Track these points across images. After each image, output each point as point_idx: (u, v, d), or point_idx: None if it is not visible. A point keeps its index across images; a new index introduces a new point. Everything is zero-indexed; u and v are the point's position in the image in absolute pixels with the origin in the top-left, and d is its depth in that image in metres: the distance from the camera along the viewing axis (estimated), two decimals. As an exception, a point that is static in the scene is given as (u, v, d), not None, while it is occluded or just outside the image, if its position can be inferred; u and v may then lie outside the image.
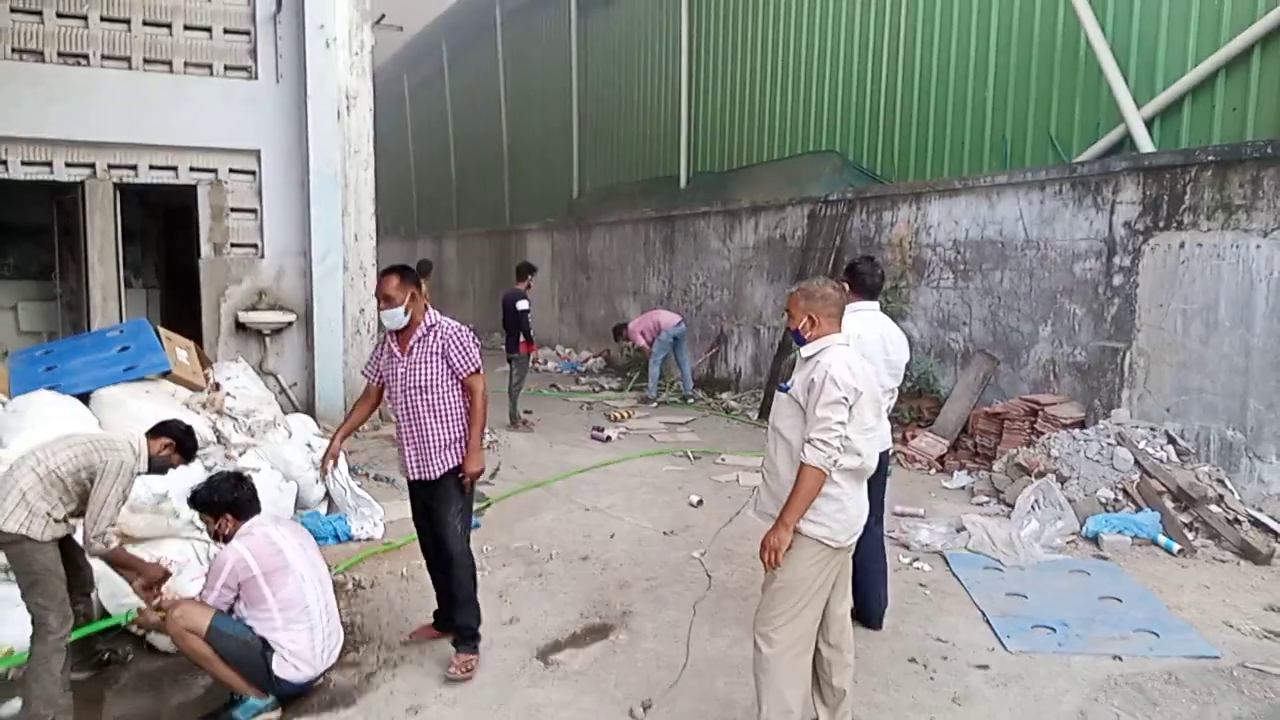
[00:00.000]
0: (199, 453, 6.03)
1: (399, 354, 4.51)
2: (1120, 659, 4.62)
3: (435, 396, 4.44)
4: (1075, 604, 5.35)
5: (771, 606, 3.59)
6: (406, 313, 4.44)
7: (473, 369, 4.48)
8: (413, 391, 4.46)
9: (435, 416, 4.46)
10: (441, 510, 4.58)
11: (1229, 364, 6.97)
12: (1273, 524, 6.45)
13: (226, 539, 4.14)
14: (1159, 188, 7.49)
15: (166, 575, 4.33)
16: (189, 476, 4.92)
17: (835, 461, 3.39)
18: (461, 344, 4.46)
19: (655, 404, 12.04)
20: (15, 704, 4.01)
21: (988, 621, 5.11)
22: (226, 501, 4.16)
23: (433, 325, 4.49)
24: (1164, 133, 8.00)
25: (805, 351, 3.64)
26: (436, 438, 4.47)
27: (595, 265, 16.99)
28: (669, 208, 14.62)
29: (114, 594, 4.66)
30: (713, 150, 14.29)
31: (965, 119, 10.00)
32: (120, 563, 4.17)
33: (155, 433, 4.19)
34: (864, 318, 4.75)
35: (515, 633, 4.96)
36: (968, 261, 9.35)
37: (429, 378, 4.43)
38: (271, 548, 4.08)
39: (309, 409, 9.35)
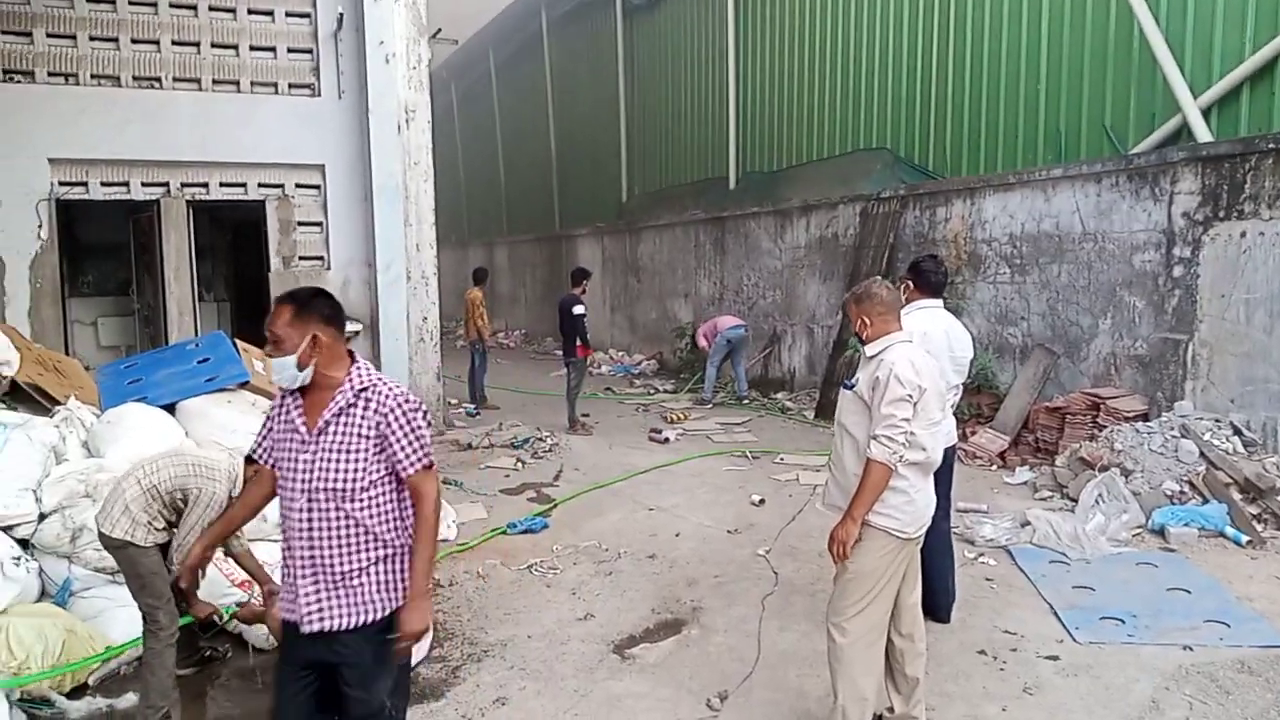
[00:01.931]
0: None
1: (304, 431, 2.92)
2: (1191, 649, 4.65)
3: (358, 505, 2.87)
4: (1143, 596, 5.37)
5: (843, 597, 3.71)
6: (303, 367, 2.88)
7: (421, 463, 2.92)
8: (321, 496, 2.87)
9: (353, 536, 2.89)
10: (355, 690, 2.92)
11: (1295, 353, 6.91)
12: (1344, 514, 6.39)
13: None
14: (1218, 177, 7.44)
15: (217, 613, 4.49)
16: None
17: (900, 457, 3.51)
18: (408, 422, 2.90)
19: (711, 405, 12.16)
20: (131, 697, 4.28)
21: (1055, 614, 5.16)
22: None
23: (362, 389, 2.91)
24: (1222, 121, 7.93)
25: (868, 350, 3.75)
26: (352, 568, 2.89)
27: (646, 268, 17.16)
28: (719, 209, 14.73)
29: (212, 593, 4.91)
30: (762, 150, 14.37)
31: (1018, 112, 9.97)
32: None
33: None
34: (929, 315, 4.84)
35: (591, 628, 5.12)
36: (1024, 255, 9.34)
37: (349, 475, 2.86)
38: None
39: (376, 415, 9.61)
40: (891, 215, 11.06)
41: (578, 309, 10.69)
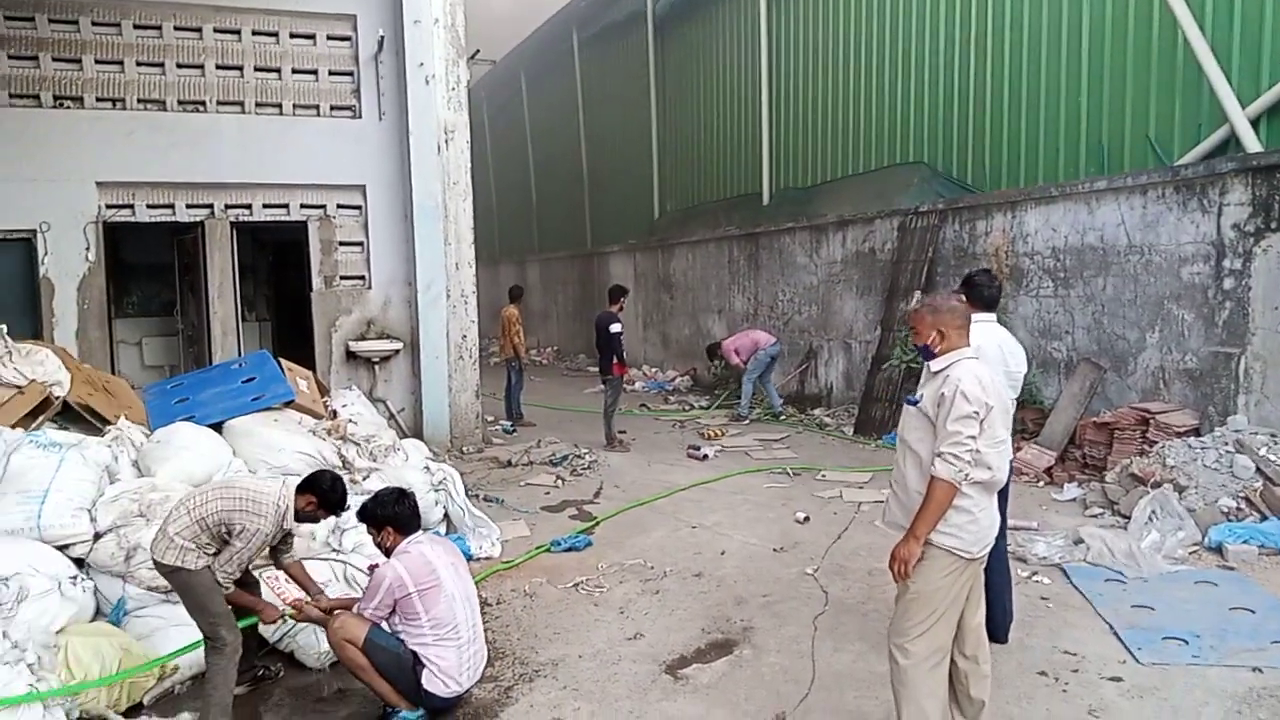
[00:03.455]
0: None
1: None
2: (1261, 671, 4.53)
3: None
4: (1205, 616, 5.24)
5: (906, 618, 3.65)
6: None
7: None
8: None
9: None
10: None
11: (1354, 366, 6.76)
12: None
13: (388, 551, 4.36)
14: (1270, 188, 7.31)
15: (282, 616, 4.52)
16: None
17: (966, 475, 3.45)
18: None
19: (748, 421, 12.10)
20: (186, 717, 4.29)
21: (1115, 634, 5.05)
22: (389, 515, 4.38)
23: None
24: (1271, 132, 7.81)
25: (934, 366, 3.68)
26: None
27: (679, 284, 17.15)
28: (753, 225, 14.71)
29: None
30: (796, 166, 14.35)
31: (1059, 125, 9.88)
32: (240, 604, 4.38)
33: (303, 488, 4.37)
34: (983, 329, 4.76)
35: (641, 648, 5.08)
36: (1068, 269, 9.22)
37: None
38: (426, 567, 4.28)
39: (416, 433, 9.68)
40: (930, 229, 10.98)
41: (614, 326, 10.66)
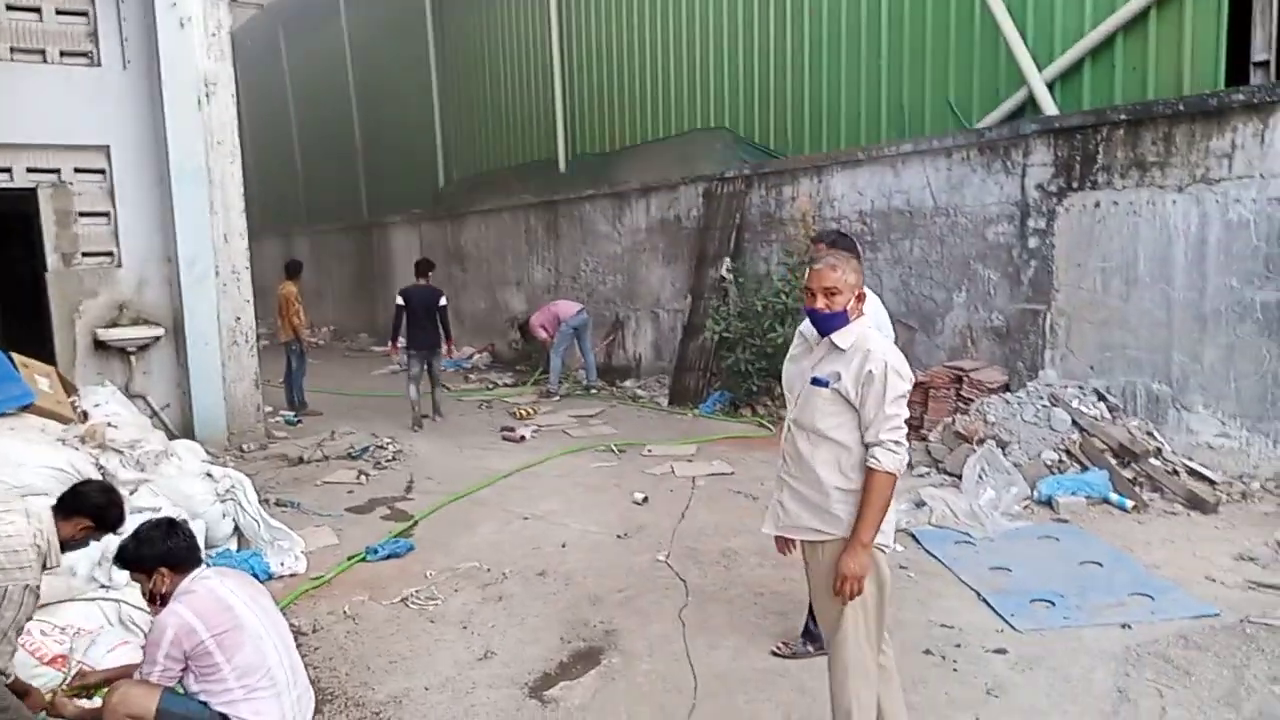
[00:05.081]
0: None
1: None
2: (1129, 627, 4.53)
3: None
4: (1060, 573, 5.26)
5: (856, 632, 3.19)
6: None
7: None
8: None
9: None
10: None
11: (1151, 319, 7.11)
12: (1208, 473, 6.62)
13: (164, 599, 3.43)
14: (1070, 149, 7.56)
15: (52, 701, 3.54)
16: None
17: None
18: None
19: (558, 397, 11.53)
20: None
21: (985, 600, 4.94)
22: (160, 554, 3.44)
23: None
24: (1065, 95, 8.09)
25: (841, 339, 3.21)
26: None
27: (471, 256, 16.24)
28: (550, 192, 14.06)
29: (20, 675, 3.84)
30: (593, 131, 13.78)
31: (860, 89, 9.90)
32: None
33: (67, 511, 3.39)
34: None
35: (496, 669, 4.41)
36: (875, 232, 9.28)
37: None
38: (219, 605, 3.40)
39: (186, 432, 8.37)
40: (736, 195, 10.81)
41: (443, 300, 10.34)
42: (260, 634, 3.46)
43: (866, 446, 3.10)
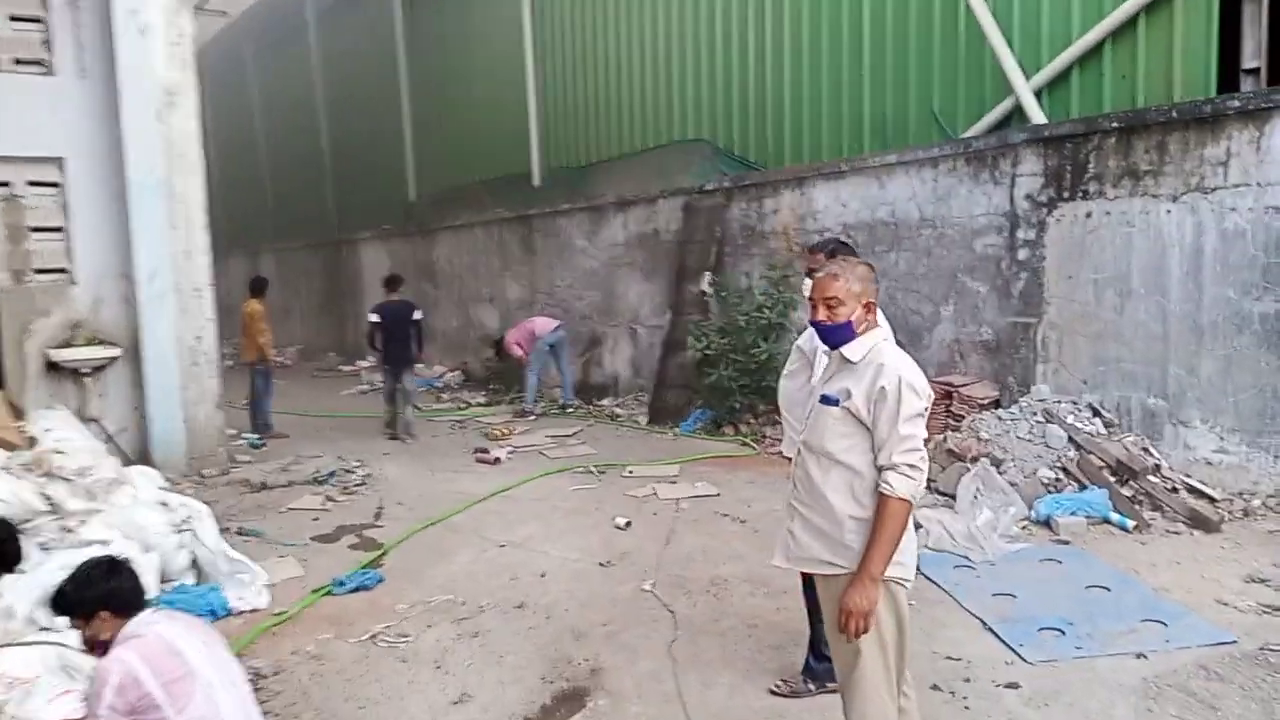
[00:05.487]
0: (28, 528, 4.83)
1: None
2: (1145, 657, 4.28)
3: None
4: (1066, 598, 5.01)
5: (876, 674, 2.92)
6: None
7: None
8: None
9: None
10: None
11: (1146, 331, 6.92)
12: (1208, 490, 6.41)
13: (105, 646, 3.09)
14: (1060, 158, 7.38)
15: None
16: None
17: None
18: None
19: (534, 417, 11.19)
20: None
21: (991, 630, 4.67)
22: (100, 596, 3.10)
23: None
24: (1053, 104, 7.93)
25: (852, 352, 2.97)
26: None
27: (443, 273, 15.89)
28: (524, 207, 13.76)
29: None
30: (568, 145, 13.51)
31: (841, 100, 9.71)
32: None
33: None
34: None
35: (472, 714, 4.09)
36: (859, 245, 8.96)
37: None
38: (168, 651, 3.05)
39: (143, 458, 7.95)
40: (716, 208, 10.57)
41: (418, 314, 10.46)
42: (213, 682, 3.12)
43: (879, 470, 2.83)
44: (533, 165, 13.95)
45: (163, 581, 5.40)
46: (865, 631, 2.80)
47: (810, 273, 4.35)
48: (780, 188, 9.88)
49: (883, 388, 2.82)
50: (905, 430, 2.77)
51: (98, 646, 3.14)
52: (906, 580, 2.94)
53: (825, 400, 2.98)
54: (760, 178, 10.19)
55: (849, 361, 2.98)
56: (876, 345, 2.97)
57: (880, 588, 2.82)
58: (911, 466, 2.76)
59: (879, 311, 3.72)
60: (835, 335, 3.00)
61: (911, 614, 4.78)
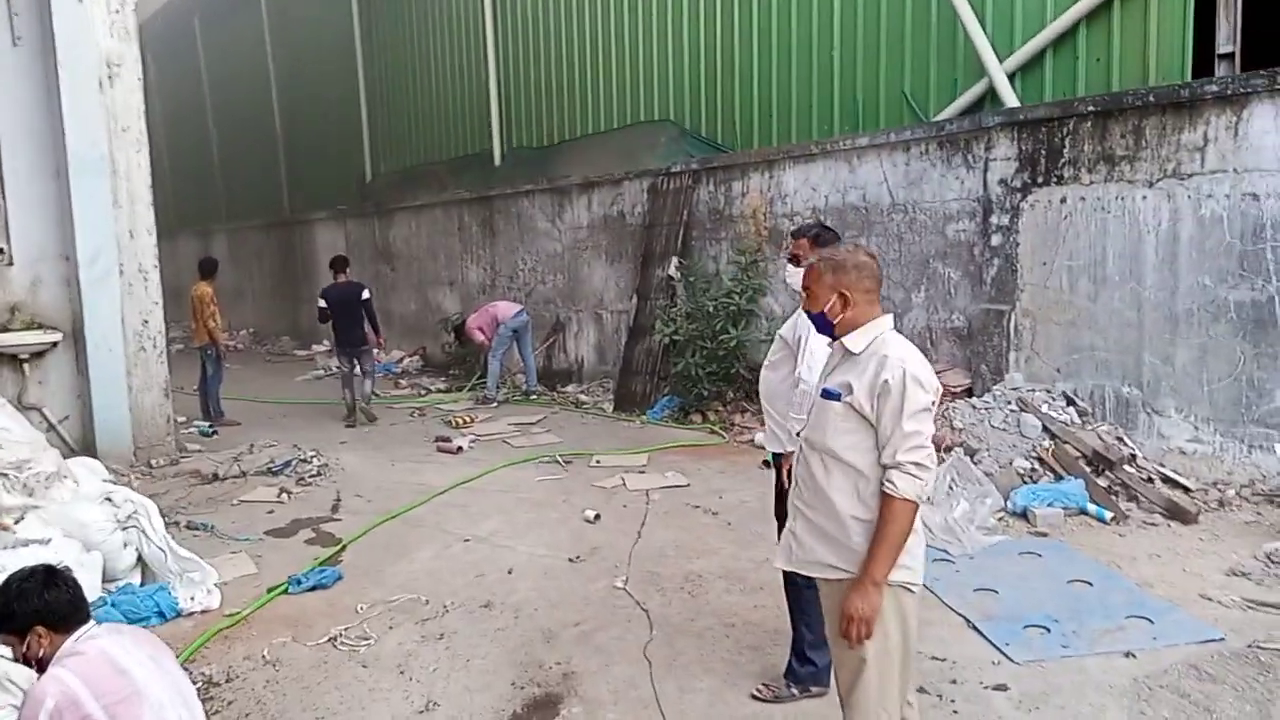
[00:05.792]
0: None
1: None
2: (1133, 656, 4.17)
3: None
4: (1049, 594, 4.90)
5: (874, 689, 2.76)
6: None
7: None
8: None
9: None
10: None
11: (1120, 319, 6.84)
12: (1183, 480, 6.36)
13: (41, 664, 2.82)
14: (1035, 142, 7.26)
15: None
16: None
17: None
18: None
19: (496, 404, 10.93)
20: None
21: (975, 628, 4.55)
22: (34, 610, 2.83)
23: None
24: (1026, 87, 7.82)
25: (853, 343, 2.80)
26: None
27: (401, 255, 15.50)
28: (485, 188, 13.43)
29: None
30: (530, 124, 13.19)
31: (811, 81, 9.54)
32: None
33: None
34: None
35: (439, 724, 3.87)
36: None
37: None
38: (111, 669, 2.79)
39: (87, 448, 7.58)
40: (684, 191, 10.35)
41: (365, 294, 10.43)
42: (162, 702, 2.86)
43: (883, 468, 2.66)
44: (494, 144, 13.62)
45: (107, 582, 5.11)
46: (868, 638, 2.64)
47: (794, 259, 4.19)
48: (749, 170, 9.69)
49: (886, 381, 2.64)
50: (910, 427, 2.60)
51: (34, 663, 2.88)
52: (914, 585, 2.78)
53: (827, 394, 2.80)
54: (728, 160, 9.99)
55: (851, 353, 2.81)
56: (882, 335, 2.80)
57: (886, 593, 2.65)
58: (917, 465, 2.59)
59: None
60: (817, 325, 2.88)
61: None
